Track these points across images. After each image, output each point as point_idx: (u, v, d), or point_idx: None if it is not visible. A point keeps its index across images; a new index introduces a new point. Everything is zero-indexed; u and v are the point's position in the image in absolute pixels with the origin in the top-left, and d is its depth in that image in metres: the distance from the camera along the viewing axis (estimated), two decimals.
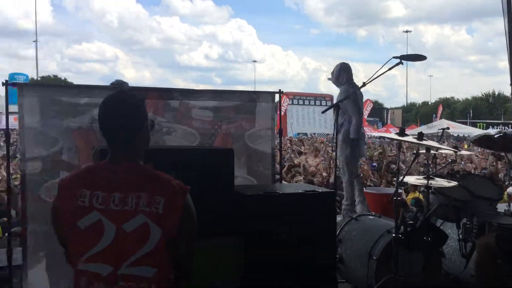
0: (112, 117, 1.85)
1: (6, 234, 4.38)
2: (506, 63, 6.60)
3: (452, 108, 60.21)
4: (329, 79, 5.97)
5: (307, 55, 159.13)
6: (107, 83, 4.79)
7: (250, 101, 4.67)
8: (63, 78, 65.64)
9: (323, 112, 5.50)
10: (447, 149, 4.55)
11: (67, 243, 1.83)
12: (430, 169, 3.71)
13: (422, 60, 4.12)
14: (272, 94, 4.80)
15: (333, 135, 4.19)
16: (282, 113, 29.29)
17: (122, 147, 1.86)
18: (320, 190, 3.81)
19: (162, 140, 4.29)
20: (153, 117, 3.97)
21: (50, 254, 3.66)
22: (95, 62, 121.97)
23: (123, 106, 1.88)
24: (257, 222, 3.21)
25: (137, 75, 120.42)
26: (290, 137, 26.03)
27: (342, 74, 5.68)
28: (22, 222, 3.76)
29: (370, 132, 26.42)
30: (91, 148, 3.52)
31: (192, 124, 4.44)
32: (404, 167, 6.90)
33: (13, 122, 6.62)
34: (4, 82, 3.63)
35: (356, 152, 5.59)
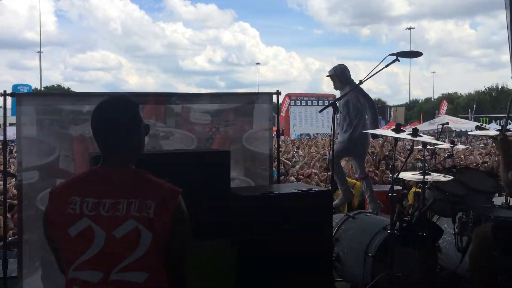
0: (104, 121, 1.86)
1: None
2: (508, 57, 6.57)
3: (455, 104, 59.94)
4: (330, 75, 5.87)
5: (310, 55, 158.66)
6: (110, 91, 4.86)
7: (249, 103, 4.69)
8: (66, 87, 66.07)
9: (320, 111, 5.55)
10: (442, 144, 4.57)
11: (58, 252, 1.85)
12: (427, 165, 3.72)
13: (418, 56, 4.15)
14: (270, 95, 4.82)
15: (332, 133, 4.19)
16: (283, 114, 29.28)
17: (114, 152, 1.86)
18: (316, 189, 3.84)
19: (159, 145, 4.33)
20: (148, 123, 4.01)
21: (45, 264, 3.66)
22: (99, 70, 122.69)
23: (115, 110, 1.88)
24: (253, 223, 3.24)
25: (140, 81, 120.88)
26: (294, 138, 26.04)
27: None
28: (18, 232, 3.80)
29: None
30: (88, 155, 3.56)
31: (190, 128, 4.48)
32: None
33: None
34: (2, 92, 3.67)
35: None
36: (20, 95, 3.92)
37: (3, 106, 3.89)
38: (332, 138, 4.06)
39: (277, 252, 3.23)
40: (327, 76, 5.88)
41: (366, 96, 5.49)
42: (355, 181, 7.83)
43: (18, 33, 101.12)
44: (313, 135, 31.00)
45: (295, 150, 15.61)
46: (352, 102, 5.35)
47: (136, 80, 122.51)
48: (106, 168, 1.86)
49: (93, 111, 1.90)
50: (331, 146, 4.12)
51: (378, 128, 5.62)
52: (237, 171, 4.48)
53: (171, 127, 4.45)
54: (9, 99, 3.88)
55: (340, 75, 5.61)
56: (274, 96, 4.79)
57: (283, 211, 3.32)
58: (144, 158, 1.99)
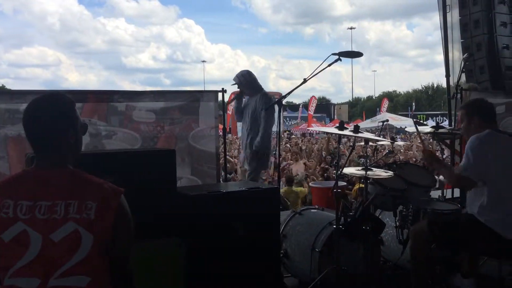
0: (36, 120, 1.78)
1: None
2: (443, 56, 6.97)
3: (395, 102, 62.50)
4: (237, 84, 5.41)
5: (256, 53, 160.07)
6: (49, 88, 4.63)
7: (194, 101, 4.65)
8: (1, 85, 62.62)
9: (266, 108, 5.47)
10: (383, 140, 4.74)
11: None
12: (368, 160, 3.84)
13: (358, 56, 4.24)
14: (215, 93, 4.79)
15: (277, 131, 4.20)
16: (230, 112, 29.24)
17: (48, 152, 1.80)
18: (263, 187, 3.87)
19: (102, 144, 4.20)
20: (87, 121, 3.87)
21: None
22: (36, 67, 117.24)
23: (49, 108, 1.81)
24: (201, 222, 3.21)
25: (81, 79, 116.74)
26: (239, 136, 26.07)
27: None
28: None
29: (318, 127, 26.94)
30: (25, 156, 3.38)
31: (134, 127, 4.37)
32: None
33: None
34: None
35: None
36: None
37: None
38: (278, 135, 4.09)
39: (225, 250, 3.23)
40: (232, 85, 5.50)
41: (267, 119, 5.05)
42: (301, 188, 8.07)
43: None
44: None
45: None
46: (258, 112, 5.11)
47: (76, 77, 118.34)
48: (41, 169, 1.79)
49: (25, 110, 1.83)
50: (277, 143, 4.15)
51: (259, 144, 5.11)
52: (184, 170, 4.44)
53: (114, 126, 4.32)
54: None
55: (249, 82, 5.22)
56: (220, 94, 4.77)
57: (231, 209, 3.32)
58: (85, 158, 1.92)
